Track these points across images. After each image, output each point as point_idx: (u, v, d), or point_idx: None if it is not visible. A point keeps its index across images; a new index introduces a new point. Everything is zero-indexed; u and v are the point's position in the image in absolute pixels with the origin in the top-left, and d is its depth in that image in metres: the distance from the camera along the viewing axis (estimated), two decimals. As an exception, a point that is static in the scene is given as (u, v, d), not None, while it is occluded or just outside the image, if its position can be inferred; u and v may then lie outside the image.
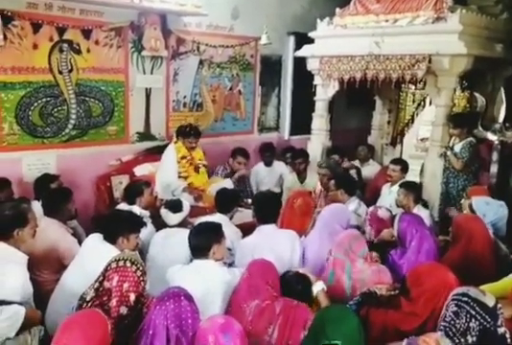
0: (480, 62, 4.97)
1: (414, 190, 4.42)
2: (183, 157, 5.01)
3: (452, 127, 5.06)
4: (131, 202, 4.13)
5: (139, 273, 2.51)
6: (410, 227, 3.45)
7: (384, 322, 2.56)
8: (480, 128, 5.71)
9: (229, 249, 3.55)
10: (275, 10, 6.26)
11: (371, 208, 4.09)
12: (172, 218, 3.80)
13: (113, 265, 2.51)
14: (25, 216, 2.99)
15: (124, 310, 2.43)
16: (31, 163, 4.55)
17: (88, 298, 2.49)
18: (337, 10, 5.63)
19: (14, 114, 4.41)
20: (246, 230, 3.91)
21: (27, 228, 2.97)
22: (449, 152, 5.03)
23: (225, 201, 4.12)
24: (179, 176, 4.97)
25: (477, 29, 5.00)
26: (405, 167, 5.12)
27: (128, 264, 2.50)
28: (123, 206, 4.14)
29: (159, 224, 3.92)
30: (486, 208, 3.83)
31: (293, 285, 2.87)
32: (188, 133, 5.05)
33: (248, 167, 5.85)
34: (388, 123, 6.86)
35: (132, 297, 2.45)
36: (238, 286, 2.82)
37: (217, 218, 3.85)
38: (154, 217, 4.07)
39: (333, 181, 4.56)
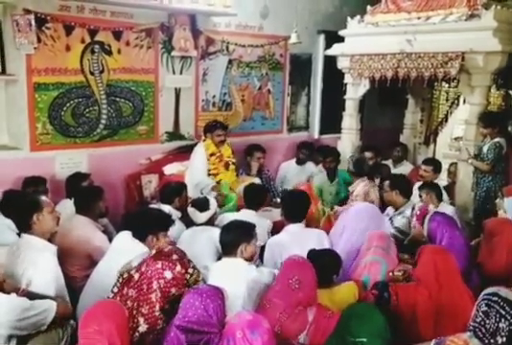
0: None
1: (434, 189, 4.38)
2: (212, 154, 5.02)
3: (482, 127, 4.94)
4: (170, 202, 4.16)
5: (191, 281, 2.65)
6: (440, 227, 3.42)
7: (414, 298, 2.61)
8: (515, 126, 5.57)
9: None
10: (305, 8, 6.20)
11: (421, 204, 4.02)
12: (199, 216, 3.82)
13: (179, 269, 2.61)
14: (37, 200, 3.02)
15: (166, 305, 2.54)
16: (63, 162, 4.64)
17: (136, 278, 2.57)
18: (369, 7, 5.57)
19: (48, 114, 4.50)
20: (276, 229, 3.93)
21: (45, 212, 2.96)
22: (470, 161, 4.96)
23: (254, 196, 4.17)
24: (209, 174, 4.98)
25: (512, 25, 4.88)
26: (437, 167, 5.07)
27: (188, 276, 2.64)
28: (156, 206, 4.16)
29: (188, 223, 3.94)
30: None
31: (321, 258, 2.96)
32: (215, 126, 5.07)
33: (265, 161, 5.80)
34: (421, 121, 6.77)
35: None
36: (277, 293, 2.68)
37: (242, 213, 3.88)
38: (183, 215, 4.09)
39: (387, 182, 4.37)
